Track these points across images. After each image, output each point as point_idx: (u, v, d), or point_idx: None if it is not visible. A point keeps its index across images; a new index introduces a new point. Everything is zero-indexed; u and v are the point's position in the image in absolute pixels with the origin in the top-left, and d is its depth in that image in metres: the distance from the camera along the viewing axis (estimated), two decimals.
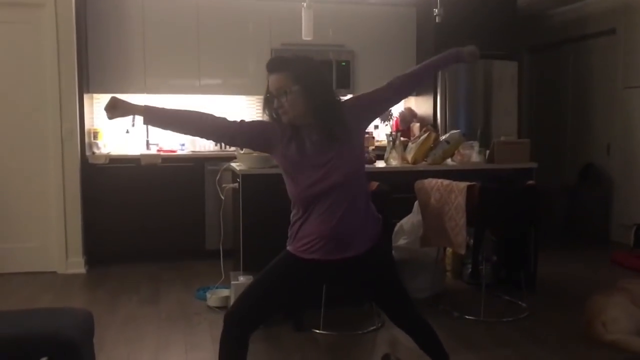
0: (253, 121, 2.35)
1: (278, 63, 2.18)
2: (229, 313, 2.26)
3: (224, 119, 2.26)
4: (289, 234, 2.31)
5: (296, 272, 2.29)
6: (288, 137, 2.21)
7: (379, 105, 2.38)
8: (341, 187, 2.16)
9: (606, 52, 6.38)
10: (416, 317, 2.47)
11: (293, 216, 2.29)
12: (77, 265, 5.01)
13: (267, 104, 2.20)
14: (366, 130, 2.44)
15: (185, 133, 2.32)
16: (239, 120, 2.28)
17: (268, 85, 2.18)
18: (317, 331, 3.54)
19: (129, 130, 5.77)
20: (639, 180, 5.89)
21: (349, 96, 5.93)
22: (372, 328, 3.61)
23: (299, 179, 2.19)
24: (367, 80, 6.01)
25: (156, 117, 2.24)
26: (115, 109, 2.22)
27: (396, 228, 4.21)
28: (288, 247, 2.30)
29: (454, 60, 2.47)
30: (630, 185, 6.01)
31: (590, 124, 6.69)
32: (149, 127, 5.78)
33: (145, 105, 2.23)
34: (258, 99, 6.20)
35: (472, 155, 4.50)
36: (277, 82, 2.15)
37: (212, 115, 2.24)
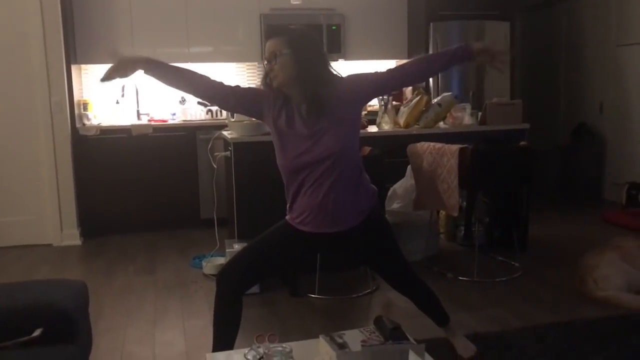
0: (247, 87, 2.37)
1: (275, 29, 2.22)
2: (221, 272, 2.31)
3: (220, 82, 2.29)
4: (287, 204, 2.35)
5: (291, 240, 2.32)
6: (279, 106, 2.21)
7: (376, 90, 2.35)
8: (328, 161, 2.15)
9: (599, 10, 6.30)
10: (414, 280, 2.50)
11: (286, 188, 2.30)
12: (72, 237, 5.02)
13: (269, 63, 2.19)
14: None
15: (181, 87, 2.30)
16: (234, 84, 2.30)
17: (267, 49, 2.20)
18: (313, 296, 3.58)
19: (119, 101, 5.72)
20: (632, 139, 5.90)
21: (340, 61, 5.86)
22: (367, 291, 3.65)
23: (287, 149, 2.20)
24: (359, 45, 5.94)
25: (157, 69, 2.25)
26: (118, 69, 2.23)
27: (389, 192, 4.22)
28: (287, 216, 2.34)
29: (459, 60, 2.28)
30: (622, 144, 6.02)
31: (583, 83, 6.65)
32: (139, 96, 5.75)
33: (146, 57, 2.23)
34: (248, 65, 6.14)
35: (465, 117, 4.48)
36: (271, 46, 2.17)
37: (208, 77, 2.27)
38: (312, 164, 2.16)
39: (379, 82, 2.25)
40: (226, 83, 2.30)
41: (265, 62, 2.21)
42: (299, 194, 2.24)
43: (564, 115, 6.96)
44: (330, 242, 2.30)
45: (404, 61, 6.59)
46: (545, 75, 7.22)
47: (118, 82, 5.73)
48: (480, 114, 4.54)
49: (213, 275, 3.99)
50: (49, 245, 4.98)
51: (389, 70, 2.28)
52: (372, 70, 2.28)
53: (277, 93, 2.21)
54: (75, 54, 5.35)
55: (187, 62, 5.78)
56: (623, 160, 6.02)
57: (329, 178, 2.17)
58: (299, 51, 2.13)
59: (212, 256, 4.19)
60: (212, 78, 2.27)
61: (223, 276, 2.29)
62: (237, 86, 2.30)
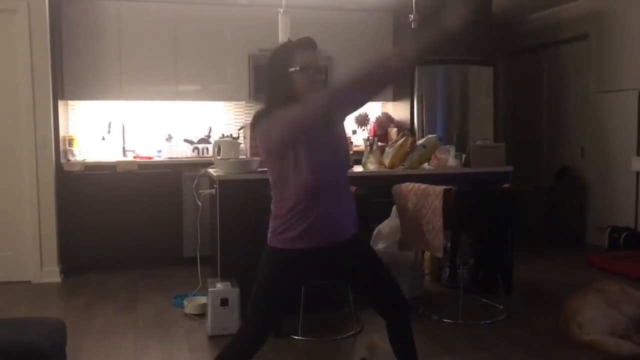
0: None
1: (314, 43, 2.18)
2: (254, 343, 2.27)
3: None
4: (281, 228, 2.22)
5: (293, 272, 2.25)
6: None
7: None
8: (346, 166, 2.27)
9: (579, 57, 6.48)
10: (402, 303, 2.42)
11: (292, 209, 2.17)
12: (52, 274, 4.93)
13: (288, 79, 2.12)
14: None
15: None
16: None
17: (302, 60, 2.11)
18: (296, 337, 3.53)
19: (104, 137, 5.72)
20: (613, 182, 5.99)
21: None
22: (351, 333, 3.60)
23: (319, 162, 2.13)
24: None
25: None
26: None
27: (375, 232, 4.22)
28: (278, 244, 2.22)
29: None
30: (604, 188, 6.11)
31: (564, 128, 6.79)
32: (125, 133, 5.75)
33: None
34: (236, 104, 6.19)
35: (449, 159, 4.53)
36: (316, 60, 2.16)
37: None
38: (336, 174, 2.22)
39: None
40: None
41: (310, 74, 2.11)
42: (316, 207, 2.15)
43: (546, 159, 7.07)
44: (329, 257, 2.24)
45: (390, 104, 6.72)
46: (528, 119, 7.36)
47: (104, 118, 5.77)
48: (464, 156, 4.59)
49: (194, 314, 3.93)
50: (28, 282, 4.88)
51: None
52: None
53: (276, 105, 2.13)
54: (62, 90, 5.36)
55: (175, 100, 5.84)
56: (605, 203, 6.09)
57: (342, 186, 2.24)
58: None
59: (194, 295, 4.13)
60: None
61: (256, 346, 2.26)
62: None
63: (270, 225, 2.24)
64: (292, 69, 2.11)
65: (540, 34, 6.94)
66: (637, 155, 5.49)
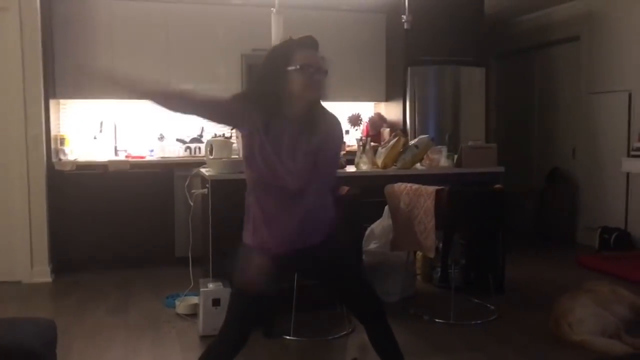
0: (224, 101, 2.21)
1: (312, 40, 2.15)
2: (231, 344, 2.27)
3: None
4: None
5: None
6: (264, 120, 2.11)
7: None
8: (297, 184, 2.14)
9: (570, 59, 6.52)
10: (378, 310, 2.37)
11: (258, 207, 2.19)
12: (43, 274, 4.90)
13: (283, 76, 2.09)
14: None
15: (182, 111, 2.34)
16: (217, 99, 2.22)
17: (302, 59, 2.09)
18: (288, 337, 3.52)
19: (96, 137, 5.69)
20: (604, 183, 6.03)
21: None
22: (343, 333, 3.60)
23: (263, 162, 2.12)
24: (338, 87, 5.96)
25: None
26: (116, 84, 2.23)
27: (367, 232, 4.22)
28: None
29: None
30: (595, 189, 6.14)
31: (555, 129, 6.82)
32: (117, 132, 5.73)
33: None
34: None
35: (441, 159, 4.55)
36: (317, 60, 2.12)
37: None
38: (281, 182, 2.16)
39: None
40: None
41: (309, 73, 2.08)
42: (258, 206, 2.18)
43: (537, 160, 7.10)
44: (286, 260, 2.18)
45: (382, 104, 6.73)
46: (519, 120, 7.39)
47: (96, 118, 5.74)
48: (456, 156, 4.60)
49: (186, 315, 3.92)
50: (19, 282, 4.85)
51: None
52: None
53: (266, 108, 2.10)
54: (54, 89, 5.33)
55: None
56: (595, 204, 6.13)
57: (294, 198, 2.13)
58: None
59: (185, 295, 4.12)
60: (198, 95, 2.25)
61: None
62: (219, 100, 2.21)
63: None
64: (291, 68, 2.08)
65: (531, 35, 6.97)
66: (628, 156, 5.52)
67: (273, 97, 2.09)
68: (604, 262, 5.12)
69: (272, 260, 2.10)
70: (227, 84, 5.89)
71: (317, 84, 2.11)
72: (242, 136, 2.19)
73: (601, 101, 6.04)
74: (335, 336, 3.57)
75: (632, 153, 5.42)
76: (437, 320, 3.82)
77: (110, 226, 5.23)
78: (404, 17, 4.88)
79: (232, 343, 2.25)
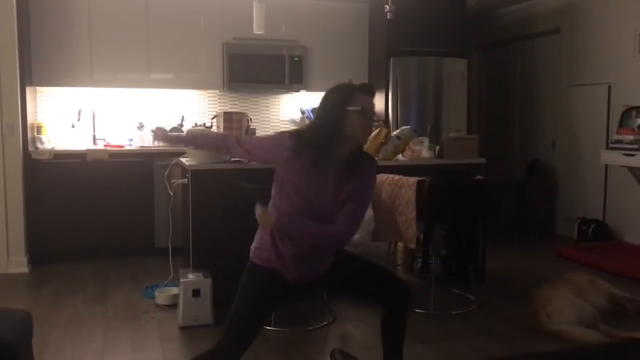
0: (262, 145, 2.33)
1: (374, 91, 2.26)
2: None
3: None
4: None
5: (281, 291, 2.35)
6: (313, 160, 2.16)
7: None
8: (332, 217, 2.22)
9: (551, 51, 6.56)
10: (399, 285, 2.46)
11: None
12: (19, 264, 4.82)
13: (361, 116, 2.16)
14: None
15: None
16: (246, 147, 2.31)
17: (363, 102, 2.17)
18: (269, 328, 3.51)
19: (74, 125, 5.60)
20: (583, 175, 6.09)
21: (302, 92, 5.90)
22: (323, 323, 3.60)
23: (309, 197, 2.19)
24: (320, 77, 6.00)
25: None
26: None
27: None
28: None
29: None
30: (574, 181, 6.21)
31: (536, 121, 6.87)
32: (95, 120, 5.64)
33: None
34: (209, 93, 6.11)
35: (423, 150, 4.55)
36: (374, 107, 2.22)
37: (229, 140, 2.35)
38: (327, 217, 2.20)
39: None
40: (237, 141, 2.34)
41: (368, 117, 2.17)
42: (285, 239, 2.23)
43: (518, 151, 7.15)
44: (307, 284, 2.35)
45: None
46: (501, 111, 7.43)
47: (74, 106, 5.64)
48: (437, 147, 4.61)
49: (166, 305, 3.89)
50: None
51: None
52: None
53: (321, 141, 2.16)
54: (30, 76, 5.23)
55: (147, 87, 5.74)
56: (574, 196, 6.20)
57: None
58: None
59: (165, 286, 4.08)
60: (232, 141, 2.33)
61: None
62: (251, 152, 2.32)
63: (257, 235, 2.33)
64: (351, 108, 2.13)
65: (513, 27, 7.00)
66: (606, 148, 5.58)
67: (329, 136, 2.14)
68: (582, 253, 5.18)
69: (291, 285, 2.26)
70: (208, 72, 5.83)
71: (369, 129, 2.26)
72: (277, 172, 2.24)
73: (581, 93, 6.09)
74: (316, 326, 3.57)
75: (611, 145, 5.48)
76: (417, 310, 3.83)
77: (89, 216, 5.16)
78: (387, 7, 4.87)
79: (229, 356, 2.26)
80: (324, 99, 2.23)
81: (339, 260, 2.39)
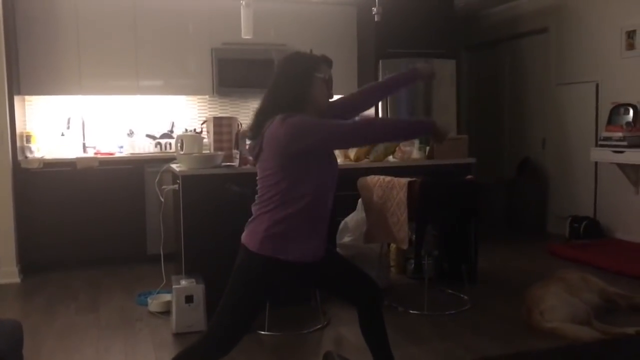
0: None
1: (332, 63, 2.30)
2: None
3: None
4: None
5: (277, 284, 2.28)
6: None
7: (348, 112, 2.45)
8: (333, 190, 2.28)
9: (539, 51, 6.60)
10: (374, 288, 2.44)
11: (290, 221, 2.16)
12: (10, 274, 4.78)
13: (326, 85, 2.22)
14: None
15: None
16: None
17: (327, 72, 2.23)
18: (263, 332, 3.50)
19: (64, 134, 5.58)
20: (573, 173, 6.12)
21: None
22: (317, 327, 3.60)
23: (326, 169, 2.22)
24: None
25: None
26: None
27: (341, 225, 4.22)
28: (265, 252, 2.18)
29: (412, 78, 2.60)
30: (564, 179, 6.24)
31: (526, 120, 6.90)
32: (85, 129, 5.61)
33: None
34: (199, 99, 6.10)
35: (413, 151, 4.56)
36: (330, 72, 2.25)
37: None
38: (333, 185, 2.26)
39: (346, 104, 2.46)
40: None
41: (326, 77, 2.21)
42: (311, 222, 2.19)
43: (508, 150, 7.18)
44: (310, 270, 2.27)
45: None
46: (490, 111, 7.46)
47: (63, 114, 5.62)
48: (428, 148, 4.62)
49: (159, 312, 3.87)
50: None
51: (359, 90, 2.52)
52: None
53: (296, 105, 2.18)
54: (19, 85, 5.20)
55: (136, 94, 5.73)
56: (565, 193, 6.22)
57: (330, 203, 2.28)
58: None
59: (158, 293, 4.07)
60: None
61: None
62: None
63: (259, 227, 2.17)
64: (319, 75, 2.18)
65: (501, 27, 7.03)
66: (596, 146, 5.61)
67: (292, 100, 2.15)
68: (574, 251, 5.20)
69: (297, 272, 2.22)
70: (197, 78, 5.82)
71: (330, 98, 2.26)
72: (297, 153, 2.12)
73: (570, 92, 6.12)
74: (310, 330, 3.56)
75: (600, 143, 5.51)
76: (411, 311, 3.83)
77: (80, 224, 5.14)
78: (375, 9, 4.88)
79: (216, 349, 2.21)
80: (287, 65, 2.22)
81: (328, 252, 2.37)
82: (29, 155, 5.20)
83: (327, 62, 2.25)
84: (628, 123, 5.28)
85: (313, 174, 2.14)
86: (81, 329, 3.66)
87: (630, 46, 5.40)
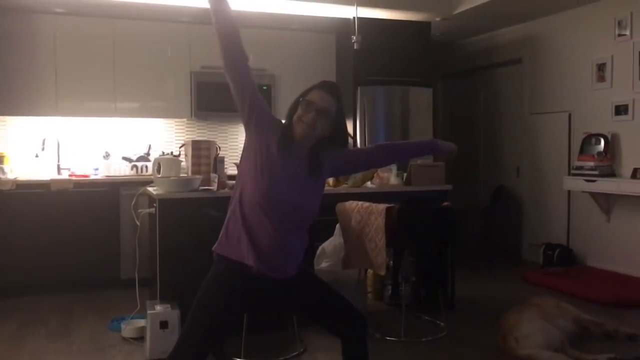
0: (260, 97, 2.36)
1: (334, 87, 2.31)
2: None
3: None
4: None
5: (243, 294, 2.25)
6: (277, 135, 2.23)
7: (356, 164, 2.52)
8: (299, 212, 2.23)
9: (513, 80, 6.75)
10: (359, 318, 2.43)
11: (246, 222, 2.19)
12: None
13: (296, 107, 2.27)
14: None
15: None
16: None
17: (310, 95, 2.25)
18: (239, 359, 3.46)
19: (38, 155, 5.50)
20: (546, 201, 6.22)
21: None
22: (294, 353, 3.56)
23: (275, 178, 2.18)
24: (288, 105, 6.00)
25: None
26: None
27: (318, 251, 4.20)
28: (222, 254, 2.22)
29: (430, 151, 2.71)
30: (538, 206, 6.33)
31: (500, 148, 7.02)
32: (60, 150, 5.54)
33: None
34: (177, 122, 6.09)
35: (391, 178, 4.60)
36: (325, 101, 2.24)
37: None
38: (285, 206, 2.19)
39: (357, 155, 2.53)
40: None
41: (303, 100, 2.25)
42: (246, 229, 2.17)
43: (483, 178, 7.28)
44: (270, 287, 2.24)
45: None
46: (466, 139, 7.56)
47: (38, 135, 5.55)
48: (405, 174, 4.67)
49: (132, 338, 3.79)
50: None
51: (377, 146, 2.51)
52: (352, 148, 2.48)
53: (281, 126, 2.26)
54: None
55: (113, 116, 5.69)
56: (539, 221, 6.31)
57: (292, 228, 2.23)
58: (337, 122, 2.27)
59: (132, 318, 3.99)
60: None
61: None
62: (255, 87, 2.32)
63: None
64: (301, 98, 2.26)
65: (476, 57, 7.19)
66: (569, 174, 5.72)
67: (286, 122, 2.26)
68: (548, 278, 5.26)
69: (257, 283, 2.19)
70: (176, 101, 5.82)
71: (310, 121, 2.21)
72: (249, 147, 2.24)
73: (543, 121, 6.26)
74: (287, 357, 3.53)
75: (573, 172, 5.63)
76: (388, 338, 3.82)
77: (53, 247, 5.04)
78: (354, 37, 4.95)
79: None
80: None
81: (306, 278, 2.36)
82: (1, 176, 5.11)
83: (321, 86, 2.30)
84: (599, 153, 5.41)
85: (259, 180, 2.16)
86: (52, 355, 3.57)
87: (601, 78, 5.56)
